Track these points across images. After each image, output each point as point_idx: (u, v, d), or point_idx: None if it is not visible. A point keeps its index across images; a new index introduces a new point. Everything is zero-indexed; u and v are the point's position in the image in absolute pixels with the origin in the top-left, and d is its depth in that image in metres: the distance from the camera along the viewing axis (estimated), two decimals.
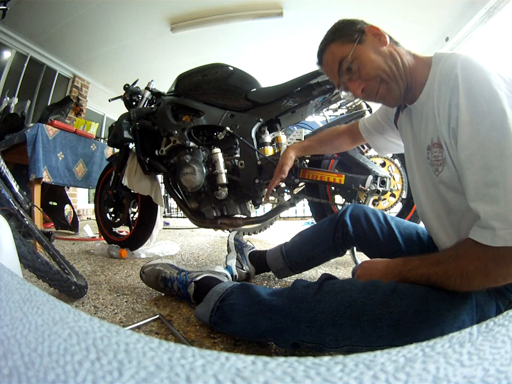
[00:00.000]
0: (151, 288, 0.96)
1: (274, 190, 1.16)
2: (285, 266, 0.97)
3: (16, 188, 1.04)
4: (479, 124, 0.47)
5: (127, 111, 1.49)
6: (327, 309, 0.52)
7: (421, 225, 0.85)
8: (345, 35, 0.65)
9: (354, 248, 1.02)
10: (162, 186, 1.50)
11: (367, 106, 1.37)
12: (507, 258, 0.44)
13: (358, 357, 0.13)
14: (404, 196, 1.23)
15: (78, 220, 2.55)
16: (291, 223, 3.45)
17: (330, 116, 1.49)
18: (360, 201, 1.19)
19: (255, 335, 0.59)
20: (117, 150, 1.75)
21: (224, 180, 1.17)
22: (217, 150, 1.19)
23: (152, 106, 1.45)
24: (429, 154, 0.60)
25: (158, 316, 0.77)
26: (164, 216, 2.55)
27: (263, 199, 1.20)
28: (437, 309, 0.48)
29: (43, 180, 1.70)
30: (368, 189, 1.09)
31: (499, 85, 0.47)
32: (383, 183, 1.12)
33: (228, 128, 1.19)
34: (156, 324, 0.74)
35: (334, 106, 1.39)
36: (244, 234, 1.89)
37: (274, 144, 1.28)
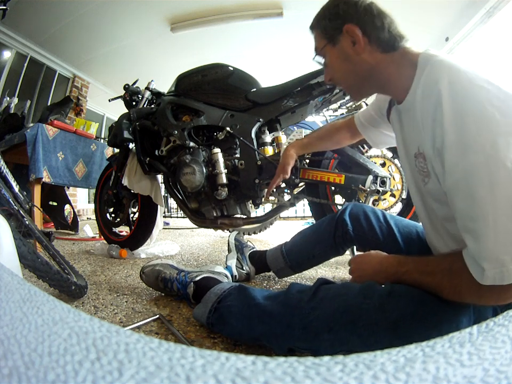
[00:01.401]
0: (151, 288, 0.96)
1: (274, 190, 1.16)
2: (285, 265, 0.97)
3: (16, 188, 1.04)
4: (466, 146, 0.42)
5: (127, 111, 1.49)
6: (322, 315, 0.52)
7: (421, 224, 0.85)
8: (324, 28, 0.62)
9: (354, 248, 1.02)
10: (162, 186, 1.50)
11: (367, 106, 1.36)
12: (497, 289, 0.43)
13: (358, 357, 0.13)
14: (403, 196, 1.23)
15: (78, 220, 2.55)
16: (291, 223, 3.45)
17: (330, 116, 1.49)
18: (360, 201, 1.19)
19: (250, 339, 0.59)
20: (117, 150, 1.75)
21: (224, 180, 1.17)
22: (217, 150, 1.19)
23: (152, 106, 1.45)
24: (416, 162, 0.58)
25: (158, 316, 0.77)
26: (164, 216, 2.55)
27: (263, 199, 1.20)
28: (433, 310, 0.48)
29: (43, 180, 1.70)
30: (368, 189, 1.09)
31: (491, 101, 0.41)
32: (383, 183, 1.12)
33: (227, 128, 1.19)
34: (156, 324, 0.74)
35: (334, 106, 1.39)
36: (243, 234, 1.89)
37: (274, 144, 1.28)
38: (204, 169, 1.18)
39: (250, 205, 1.29)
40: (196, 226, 1.99)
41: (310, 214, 1.45)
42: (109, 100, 1.74)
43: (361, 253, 0.75)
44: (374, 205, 1.22)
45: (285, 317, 0.54)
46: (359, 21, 0.57)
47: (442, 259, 0.53)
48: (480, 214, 0.41)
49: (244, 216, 1.27)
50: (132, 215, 1.65)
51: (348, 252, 0.97)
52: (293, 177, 1.13)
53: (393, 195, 1.22)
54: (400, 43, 0.57)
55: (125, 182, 1.45)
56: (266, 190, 1.21)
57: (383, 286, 0.54)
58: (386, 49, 0.57)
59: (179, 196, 1.34)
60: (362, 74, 0.60)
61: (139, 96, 1.52)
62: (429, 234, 0.65)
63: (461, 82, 0.45)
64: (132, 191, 1.48)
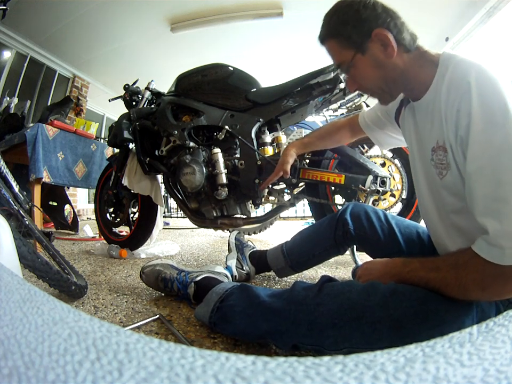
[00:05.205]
0: (151, 288, 0.96)
1: (270, 186, 1.16)
2: (285, 265, 0.97)
3: (16, 188, 1.04)
4: (492, 135, 0.45)
5: (127, 111, 1.49)
6: (327, 311, 0.52)
7: (422, 224, 0.85)
8: (349, 36, 0.58)
9: (354, 248, 1.02)
10: (162, 186, 1.50)
11: (367, 106, 1.37)
12: (506, 276, 0.44)
13: (358, 357, 0.13)
14: (404, 196, 1.23)
15: (78, 219, 2.55)
16: (291, 223, 3.44)
17: (330, 116, 1.49)
18: (360, 201, 1.18)
19: (254, 337, 0.59)
20: (117, 150, 1.75)
21: (224, 180, 1.17)
22: (217, 150, 1.19)
23: (152, 106, 1.45)
24: (433, 156, 0.58)
25: (158, 316, 0.77)
26: (164, 216, 2.56)
27: (263, 199, 1.20)
28: (436, 310, 0.48)
29: (43, 179, 1.70)
30: (368, 189, 1.08)
31: None
32: (383, 183, 1.12)
33: (226, 127, 1.19)
34: (156, 324, 0.74)
35: (334, 106, 1.39)
36: (244, 234, 1.88)
37: (274, 144, 1.28)
38: (204, 169, 1.18)
39: (250, 205, 1.29)
40: (196, 226, 1.99)
41: (310, 214, 1.45)
42: (109, 100, 1.74)
43: (363, 253, 0.75)
44: (374, 205, 1.22)
45: (290, 313, 0.55)
46: (384, 23, 0.56)
47: (449, 256, 0.54)
48: (505, 196, 0.43)
49: (244, 216, 1.27)
50: (132, 215, 1.65)
51: (347, 252, 0.97)
52: (290, 177, 1.13)
53: (393, 195, 1.22)
54: (416, 42, 0.59)
55: (125, 182, 1.45)
56: (263, 186, 1.20)
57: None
58: (409, 49, 0.58)
59: (179, 195, 1.34)
60: (394, 78, 0.59)
61: (139, 96, 1.52)
62: (438, 230, 0.64)
63: (489, 79, 0.48)
64: (132, 191, 1.48)
